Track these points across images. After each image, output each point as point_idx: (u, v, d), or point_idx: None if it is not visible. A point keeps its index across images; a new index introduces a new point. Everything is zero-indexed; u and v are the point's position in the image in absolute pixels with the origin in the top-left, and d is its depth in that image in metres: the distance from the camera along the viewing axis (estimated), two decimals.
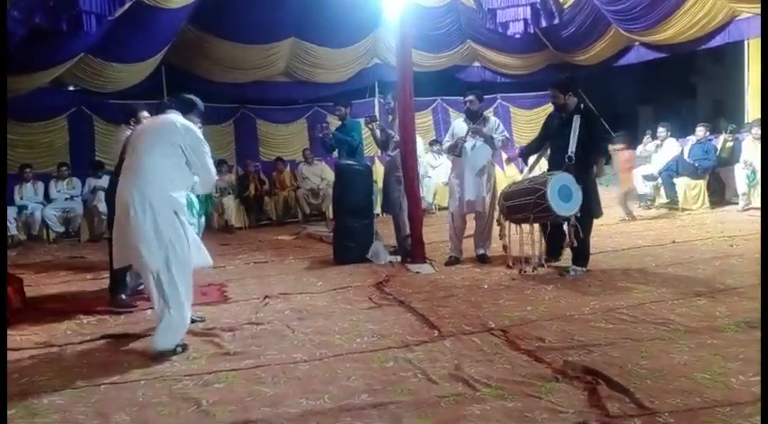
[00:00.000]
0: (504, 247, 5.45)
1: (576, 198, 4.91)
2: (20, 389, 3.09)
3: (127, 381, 3.15)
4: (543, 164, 5.92)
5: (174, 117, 3.73)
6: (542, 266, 5.20)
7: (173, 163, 3.59)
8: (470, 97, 5.99)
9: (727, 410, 2.42)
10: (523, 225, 5.24)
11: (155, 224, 3.46)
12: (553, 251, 5.41)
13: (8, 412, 2.79)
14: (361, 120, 7.19)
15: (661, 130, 9.82)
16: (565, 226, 5.11)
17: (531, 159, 5.70)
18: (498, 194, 5.68)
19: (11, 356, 3.64)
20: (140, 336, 3.93)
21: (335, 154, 7.39)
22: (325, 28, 11.11)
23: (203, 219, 6.32)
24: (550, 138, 5.42)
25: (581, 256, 5.17)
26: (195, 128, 3.74)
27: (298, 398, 2.79)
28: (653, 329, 3.51)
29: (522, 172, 5.63)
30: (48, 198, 9.53)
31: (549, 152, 5.52)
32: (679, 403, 2.51)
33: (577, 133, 4.98)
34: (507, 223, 5.33)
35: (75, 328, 4.23)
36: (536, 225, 5.21)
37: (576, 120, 5.03)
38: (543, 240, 5.25)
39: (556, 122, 5.37)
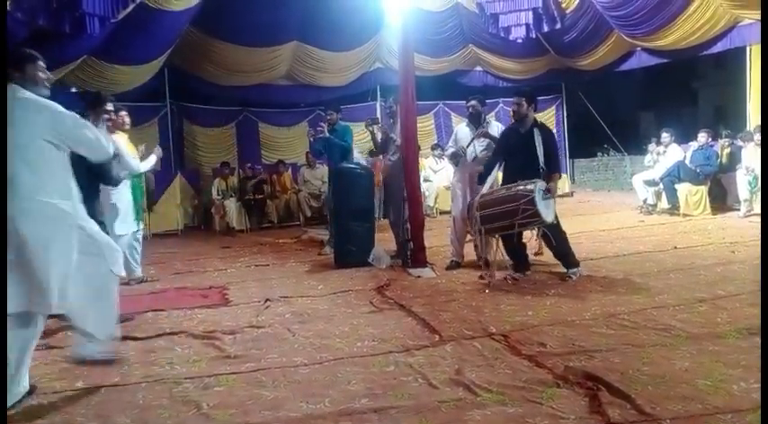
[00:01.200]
0: (479, 257, 5.45)
1: (552, 204, 5.01)
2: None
3: (127, 383, 3.14)
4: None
5: (25, 93, 2.93)
6: (515, 279, 5.15)
7: (51, 163, 2.93)
8: (473, 102, 6.00)
9: (729, 417, 2.41)
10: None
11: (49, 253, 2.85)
12: (521, 265, 5.34)
13: (8, 413, 2.79)
14: (350, 125, 7.27)
15: (665, 136, 9.84)
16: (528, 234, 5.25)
17: (491, 177, 5.54)
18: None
19: None
20: (141, 338, 3.93)
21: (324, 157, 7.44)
22: (328, 31, 11.14)
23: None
24: (508, 153, 5.39)
25: (569, 259, 5.22)
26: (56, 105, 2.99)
27: (298, 402, 2.79)
28: (654, 335, 3.51)
29: (480, 184, 5.56)
30: None
31: (503, 167, 5.48)
32: (680, 410, 2.51)
33: (542, 146, 5.13)
34: (480, 235, 5.23)
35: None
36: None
37: (538, 134, 5.17)
38: (503, 254, 5.23)
39: (513, 137, 5.37)
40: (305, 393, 2.89)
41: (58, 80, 9.43)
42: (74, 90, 10.62)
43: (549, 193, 5.07)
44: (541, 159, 5.10)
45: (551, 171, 5.18)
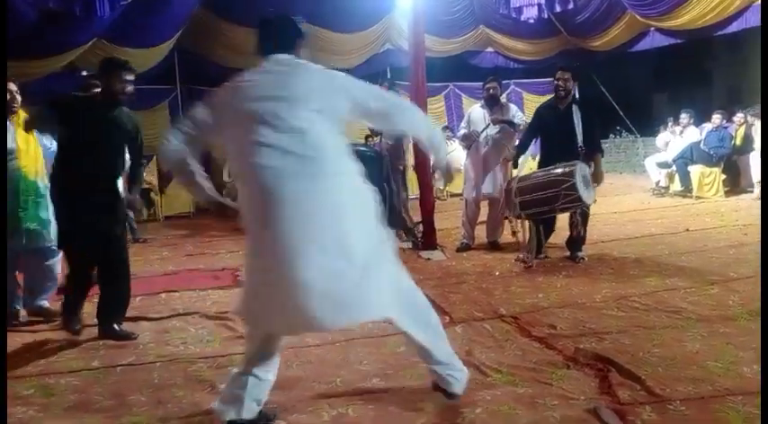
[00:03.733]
0: (519, 242, 5.37)
1: (591, 185, 4.91)
2: (38, 370, 3.15)
3: (143, 362, 3.20)
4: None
5: None
6: (532, 262, 5.08)
7: None
8: (494, 84, 5.91)
9: (739, 399, 2.41)
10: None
11: None
12: (540, 249, 5.26)
13: (26, 393, 2.85)
14: None
15: (683, 117, 9.76)
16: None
17: (522, 157, 5.51)
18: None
19: (29, 337, 3.71)
20: (155, 319, 3.98)
21: None
22: (338, 13, 11.05)
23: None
24: (544, 132, 5.31)
25: (582, 242, 5.22)
26: None
27: (310, 381, 2.82)
28: (665, 317, 3.51)
29: (515, 167, 5.50)
30: None
31: (540, 146, 5.42)
32: (690, 391, 2.52)
33: (581, 124, 5.00)
34: (518, 220, 5.20)
35: (91, 310, 4.26)
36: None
37: (577, 112, 5.04)
38: (533, 236, 5.15)
39: (551, 114, 5.25)
40: (317, 372, 2.93)
41: (69, 63, 9.48)
42: (84, 73, 10.65)
43: (595, 182, 5.00)
44: (580, 138, 4.97)
45: (592, 151, 5.05)
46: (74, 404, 2.72)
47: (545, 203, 4.84)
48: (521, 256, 5.15)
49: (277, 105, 2.18)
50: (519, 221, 5.22)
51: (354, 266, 2.13)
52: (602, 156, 5.32)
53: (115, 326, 3.61)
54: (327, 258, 2.09)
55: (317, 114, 2.18)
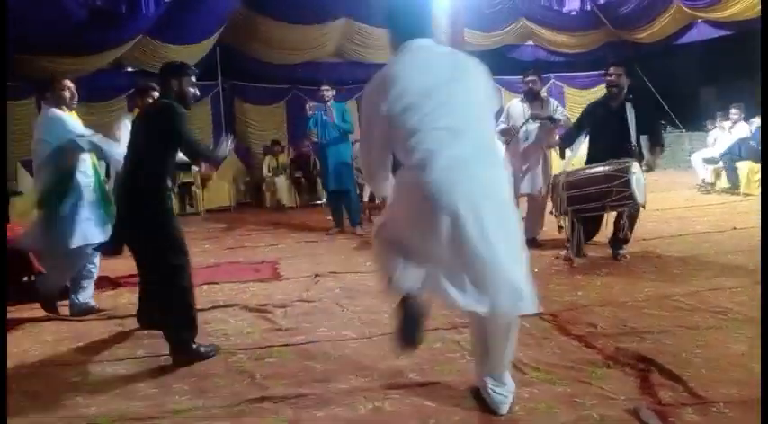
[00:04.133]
0: (569, 240, 5.15)
1: (643, 185, 4.79)
2: (83, 358, 3.27)
3: None
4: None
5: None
6: (569, 260, 5.00)
7: None
8: (533, 77, 5.83)
9: None
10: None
11: None
12: (581, 247, 5.10)
13: (73, 380, 2.96)
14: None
15: (734, 112, 9.43)
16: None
17: (569, 152, 5.41)
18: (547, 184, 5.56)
19: (75, 327, 3.84)
20: (197, 310, 4.05)
21: (315, 137, 7.06)
22: (374, 7, 11.05)
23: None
24: (595, 128, 5.16)
25: (625, 241, 5.09)
26: None
27: (347, 374, 2.85)
28: (709, 317, 3.42)
29: (562, 158, 5.41)
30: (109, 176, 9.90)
31: (589, 144, 5.27)
32: (734, 394, 2.45)
33: (634, 121, 4.86)
34: (564, 216, 5.05)
35: (134, 300, 4.39)
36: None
37: (631, 109, 4.89)
38: (577, 235, 4.99)
39: (602, 111, 5.10)
40: (354, 366, 2.96)
41: (116, 60, 9.74)
42: (129, 69, 10.93)
43: (649, 168, 4.92)
44: (633, 135, 4.86)
45: (654, 143, 4.97)
46: (119, 392, 2.81)
47: (595, 199, 4.71)
48: (563, 254, 5.08)
49: (443, 92, 2.24)
50: (564, 217, 5.12)
51: (515, 256, 2.32)
52: (660, 149, 5.14)
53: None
54: (495, 244, 2.20)
55: (479, 106, 2.33)
